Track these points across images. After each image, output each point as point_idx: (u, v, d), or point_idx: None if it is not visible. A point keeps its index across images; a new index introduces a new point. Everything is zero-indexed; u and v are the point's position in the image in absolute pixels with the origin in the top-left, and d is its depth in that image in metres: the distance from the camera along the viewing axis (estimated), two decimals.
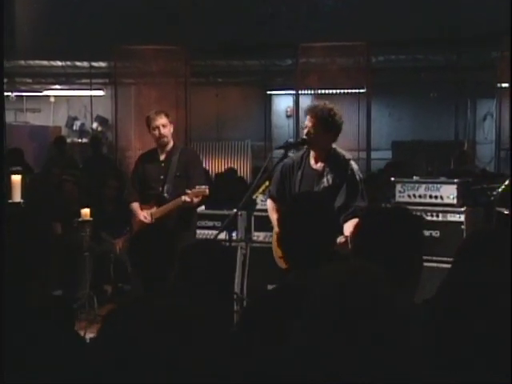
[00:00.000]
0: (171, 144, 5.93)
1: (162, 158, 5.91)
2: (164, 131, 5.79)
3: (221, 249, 2.76)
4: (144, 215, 5.80)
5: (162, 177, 5.85)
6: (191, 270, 2.54)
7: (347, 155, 4.73)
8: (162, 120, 5.78)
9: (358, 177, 4.61)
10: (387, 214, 2.47)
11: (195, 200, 5.58)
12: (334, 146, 4.71)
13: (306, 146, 4.69)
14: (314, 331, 1.47)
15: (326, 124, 4.53)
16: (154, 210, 5.83)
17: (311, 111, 4.58)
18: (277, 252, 4.64)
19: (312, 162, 4.68)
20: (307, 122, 4.58)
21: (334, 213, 3.07)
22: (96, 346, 1.39)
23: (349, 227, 4.18)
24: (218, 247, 2.77)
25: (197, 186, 5.52)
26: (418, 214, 6.07)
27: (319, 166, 4.64)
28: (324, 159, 4.64)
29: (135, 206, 5.93)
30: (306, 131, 4.59)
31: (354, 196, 4.55)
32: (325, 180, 4.59)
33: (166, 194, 5.77)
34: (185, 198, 5.53)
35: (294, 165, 4.70)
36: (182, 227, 5.66)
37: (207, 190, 5.50)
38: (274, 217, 4.67)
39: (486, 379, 1.45)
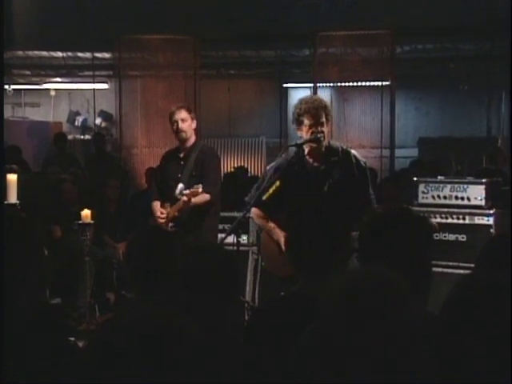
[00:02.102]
0: (192, 141, 6.07)
1: (182, 155, 6.07)
2: (182, 126, 5.96)
3: (223, 254, 2.80)
4: (161, 211, 5.96)
5: (179, 175, 6.00)
6: (189, 278, 2.59)
7: (343, 145, 4.83)
8: (180, 114, 5.96)
9: (363, 164, 4.75)
10: (390, 217, 2.51)
11: (193, 200, 5.70)
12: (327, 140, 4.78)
13: (295, 146, 4.72)
14: (325, 340, 1.52)
15: (328, 117, 4.64)
16: (169, 209, 6.00)
17: (323, 107, 4.60)
18: (272, 261, 4.67)
19: (311, 160, 4.70)
20: (312, 118, 4.57)
21: (345, 218, 3.11)
22: (86, 357, 1.44)
23: None
24: (220, 252, 2.82)
25: (195, 186, 5.66)
26: (443, 216, 6.11)
27: (321, 163, 4.68)
28: (324, 155, 4.67)
29: (155, 204, 6.09)
30: (319, 129, 4.58)
31: (368, 185, 4.71)
32: (333, 177, 4.62)
33: (177, 193, 5.88)
34: (183, 198, 5.70)
35: (290, 167, 4.70)
36: (190, 230, 5.77)
37: (200, 189, 5.63)
38: (270, 224, 4.66)
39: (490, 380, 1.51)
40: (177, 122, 5.96)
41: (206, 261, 2.64)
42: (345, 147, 4.79)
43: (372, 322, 1.46)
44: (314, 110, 4.56)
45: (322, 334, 1.53)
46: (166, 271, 2.84)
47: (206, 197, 5.78)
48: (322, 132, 4.58)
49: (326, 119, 4.61)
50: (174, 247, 3.01)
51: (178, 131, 5.99)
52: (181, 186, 5.87)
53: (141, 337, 1.34)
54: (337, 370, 1.46)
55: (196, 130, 6.19)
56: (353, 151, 4.77)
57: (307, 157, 4.70)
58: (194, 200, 5.70)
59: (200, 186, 5.64)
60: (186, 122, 5.98)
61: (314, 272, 2.74)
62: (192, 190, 5.65)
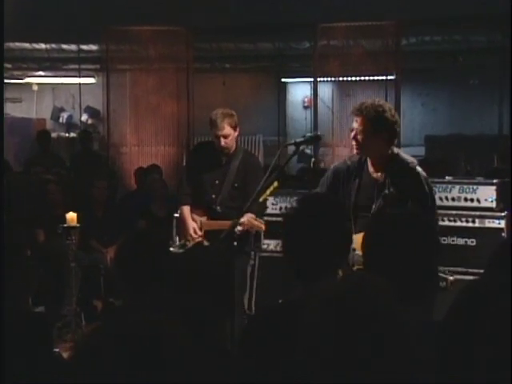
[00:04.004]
0: (233, 147, 5.92)
1: (222, 159, 5.93)
2: (225, 142, 5.80)
3: (219, 258, 2.82)
4: (194, 227, 5.84)
5: (217, 182, 5.89)
6: (181, 282, 2.61)
7: (412, 161, 4.62)
8: (224, 130, 5.76)
9: (426, 187, 4.53)
10: (394, 220, 2.53)
11: (250, 230, 5.59)
12: (396, 150, 4.64)
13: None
14: (310, 351, 1.56)
15: (375, 124, 4.48)
16: (204, 219, 5.88)
17: (357, 110, 4.55)
18: None
19: (371, 169, 4.62)
20: (354, 123, 4.56)
21: (346, 218, 3.12)
22: (75, 364, 1.47)
23: None
24: (216, 257, 2.84)
25: (262, 222, 5.51)
26: (451, 218, 6.13)
27: (380, 175, 4.58)
28: (385, 167, 4.57)
29: (186, 210, 5.96)
30: (352, 134, 4.57)
31: (421, 209, 4.35)
32: (387, 192, 4.51)
33: (218, 207, 5.80)
34: (239, 228, 5.35)
35: (349, 170, 4.67)
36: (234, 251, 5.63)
37: (263, 226, 5.52)
38: None
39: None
40: (219, 138, 5.78)
41: (201, 265, 2.67)
42: (412, 164, 4.58)
43: (359, 326, 1.50)
44: (357, 114, 4.53)
45: (310, 340, 1.57)
46: (157, 276, 2.87)
47: (261, 228, 5.62)
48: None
49: (376, 127, 4.47)
50: (165, 251, 3.04)
51: (220, 147, 5.82)
52: (221, 197, 5.76)
53: (131, 342, 1.37)
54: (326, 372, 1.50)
55: (237, 138, 5.98)
56: (419, 170, 4.55)
57: (370, 166, 4.63)
58: (250, 230, 5.58)
59: (262, 225, 5.50)
60: (229, 137, 5.81)
61: (314, 278, 2.75)
62: (253, 222, 5.45)
